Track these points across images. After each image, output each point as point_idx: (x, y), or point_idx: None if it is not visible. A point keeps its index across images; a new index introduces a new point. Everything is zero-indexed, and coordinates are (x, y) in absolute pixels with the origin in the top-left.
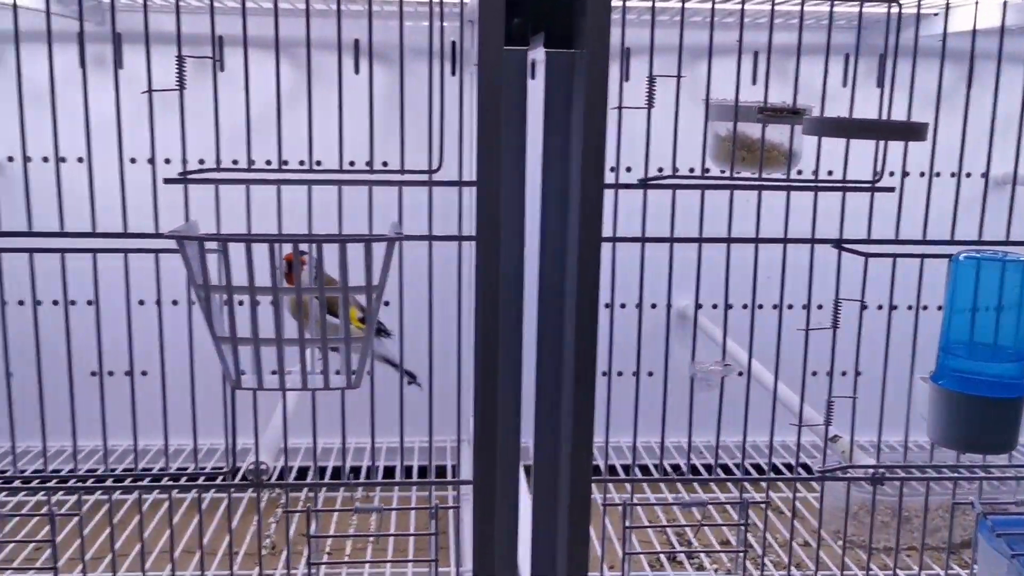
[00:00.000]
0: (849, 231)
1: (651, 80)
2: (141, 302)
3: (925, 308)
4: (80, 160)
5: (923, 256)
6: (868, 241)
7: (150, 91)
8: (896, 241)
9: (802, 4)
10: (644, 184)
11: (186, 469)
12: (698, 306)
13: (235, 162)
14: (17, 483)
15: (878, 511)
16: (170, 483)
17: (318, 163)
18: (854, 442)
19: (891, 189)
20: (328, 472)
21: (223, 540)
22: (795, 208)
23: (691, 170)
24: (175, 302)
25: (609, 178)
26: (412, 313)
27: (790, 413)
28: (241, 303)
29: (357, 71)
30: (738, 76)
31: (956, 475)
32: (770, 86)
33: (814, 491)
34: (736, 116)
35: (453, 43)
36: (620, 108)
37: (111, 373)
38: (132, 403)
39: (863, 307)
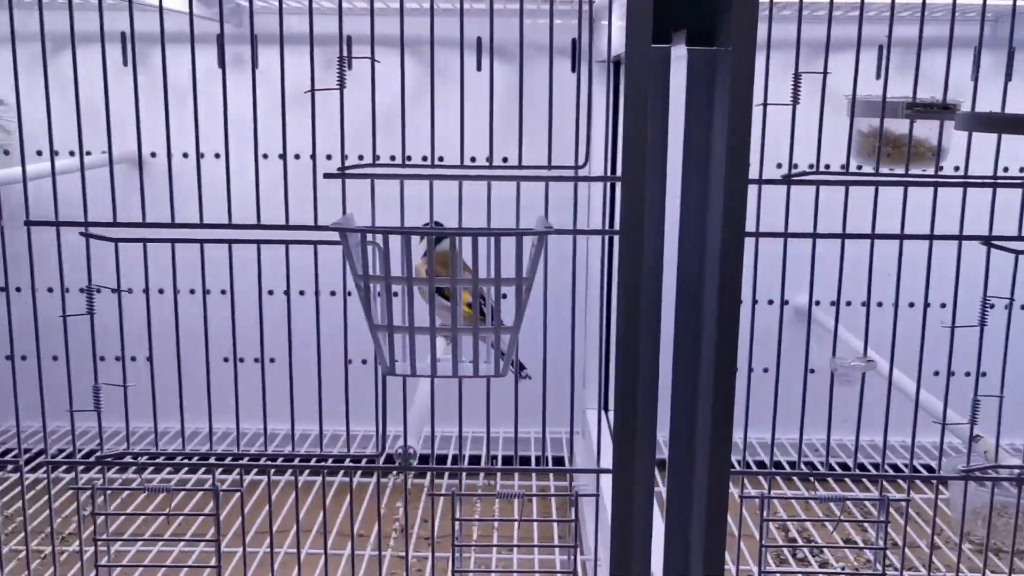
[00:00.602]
0: (998, 228)
1: (796, 76)
2: (271, 292)
3: None
4: (217, 156)
5: None
6: (1019, 238)
7: (312, 91)
8: None
9: None
10: (787, 180)
11: (325, 454)
12: (839, 303)
13: (392, 158)
14: (180, 459)
15: (1008, 514)
16: (323, 464)
17: (472, 159)
18: (992, 444)
19: None
20: (465, 459)
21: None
22: (942, 206)
23: (826, 166)
24: (302, 292)
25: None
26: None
27: (924, 413)
28: (396, 294)
29: (479, 68)
30: (886, 72)
31: None
32: (889, 80)
33: (942, 494)
34: (883, 112)
35: (573, 40)
36: (765, 104)
37: (272, 360)
38: (290, 388)
39: (1010, 305)
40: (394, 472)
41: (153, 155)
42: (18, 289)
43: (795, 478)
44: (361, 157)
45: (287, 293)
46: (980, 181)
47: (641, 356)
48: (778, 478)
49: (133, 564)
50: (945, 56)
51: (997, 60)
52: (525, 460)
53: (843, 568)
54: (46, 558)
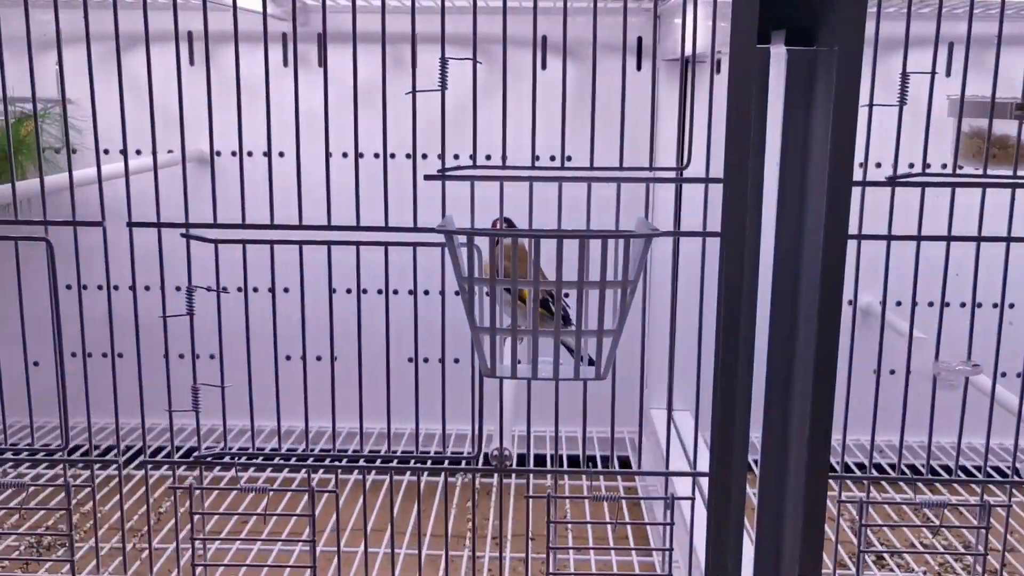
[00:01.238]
0: None
1: (904, 76)
2: (348, 291)
3: None
4: (282, 155)
5: None
6: None
7: (414, 92)
8: None
9: None
10: (892, 182)
11: (422, 455)
12: (944, 304)
13: (456, 157)
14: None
15: None
16: (421, 467)
17: (569, 158)
18: None
19: None
20: (556, 460)
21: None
22: None
23: (919, 166)
24: (379, 291)
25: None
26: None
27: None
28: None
29: (544, 67)
30: (964, 71)
31: None
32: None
33: None
34: (992, 113)
35: (639, 39)
36: (871, 105)
37: (394, 362)
38: (388, 389)
39: None
40: (471, 473)
41: (218, 154)
42: (99, 287)
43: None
44: (425, 156)
45: (382, 292)
46: None
47: (741, 360)
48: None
49: (232, 564)
50: (1021, 54)
51: None
52: (591, 461)
53: (924, 573)
54: (142, 556)
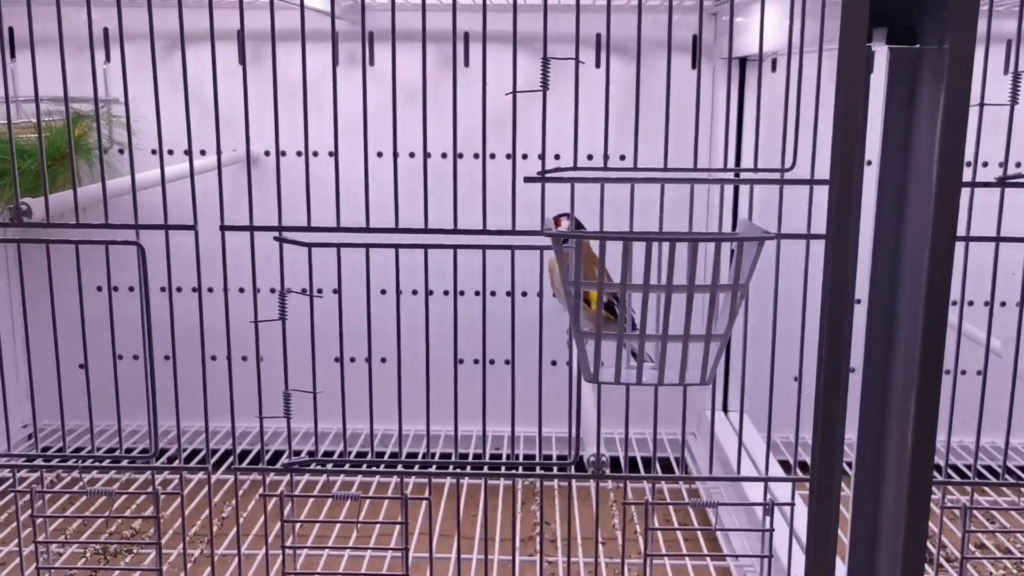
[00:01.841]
0: None
1: (1016, 74)
2: (383, 291)
3: None
4: (331, 154)
5: None
6: None
7: (515, 92)
8: None
9: None
10: (1003, 182)
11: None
12: None
13: (508, 156)
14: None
15: None
16: (514, 472)
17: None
18: None
19: None
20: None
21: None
22: None
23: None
24: (462, 293)
25: None
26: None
27: None
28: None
29: (598, 65)
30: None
31: None
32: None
33: None
34: None
35: (694, 36)
36: (981, 105)
37: (463, 362)
38: (484, 392)
39: None
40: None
41: (267, 153)
42: (178, 290)
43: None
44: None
45: (479, 294)
46: None
47: (845, 364)
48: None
49: (325, 572)
50: None
51: None
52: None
53: None
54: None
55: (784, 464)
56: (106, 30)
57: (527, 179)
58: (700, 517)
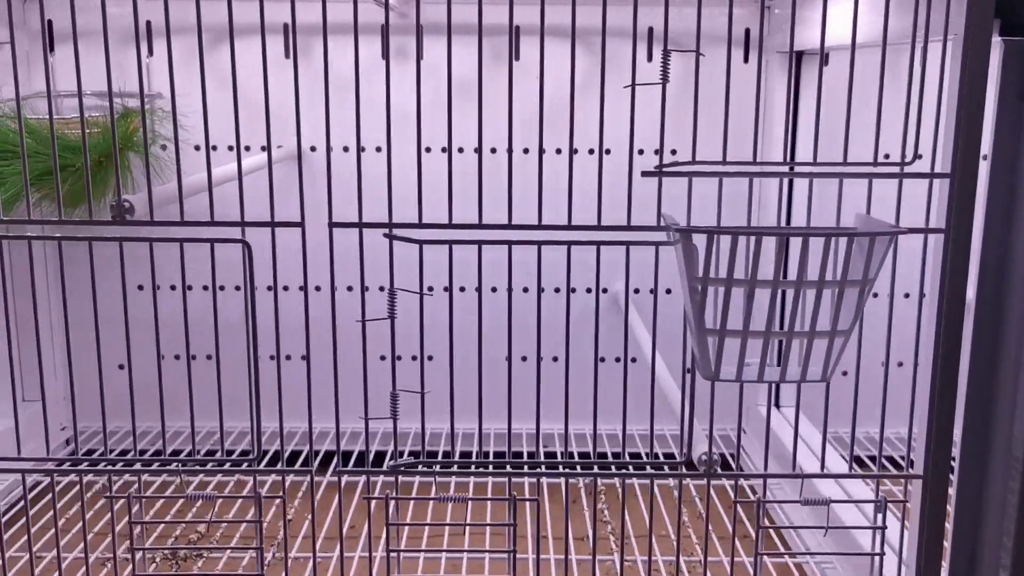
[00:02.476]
0: None
1: None
2: (494, 289)
3: None
4: (379, 149)
5: None
6: None
7: (633, 85)
8: None
9: None
10: None
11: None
12: None
13: (558, 151)
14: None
15: None
16: (625, 472)
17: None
18: None
19: None
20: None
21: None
22: None
23: None
24: (557, 290)
25: None
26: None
27: None
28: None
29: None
30: None
31: None
32: None
33: None
34: None
35: (747, 30)
36: None
37: (524, 358)
38: (595, 389)
39: None
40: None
41: (313, 149)
42: (237, 288)
43: None
44: (526, 151)
45: (569, 290)
46: None
47: (958, 360)
48: None
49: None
50: None
51: None
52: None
53: None
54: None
55: (857, 460)
56: (149, 23)
57: (644, 173)
58: (748, 513)
